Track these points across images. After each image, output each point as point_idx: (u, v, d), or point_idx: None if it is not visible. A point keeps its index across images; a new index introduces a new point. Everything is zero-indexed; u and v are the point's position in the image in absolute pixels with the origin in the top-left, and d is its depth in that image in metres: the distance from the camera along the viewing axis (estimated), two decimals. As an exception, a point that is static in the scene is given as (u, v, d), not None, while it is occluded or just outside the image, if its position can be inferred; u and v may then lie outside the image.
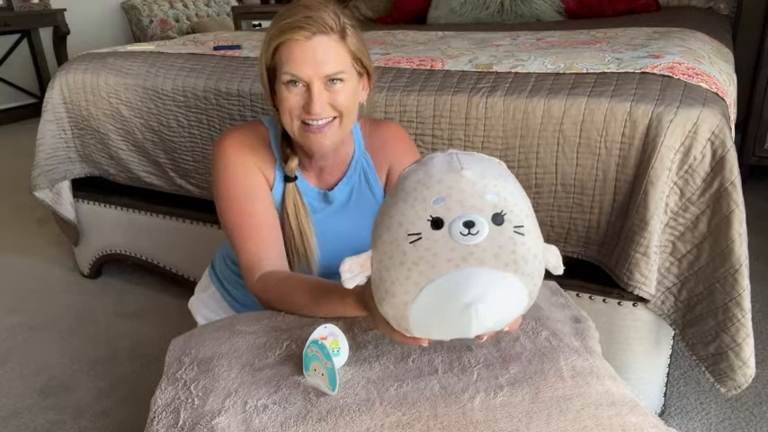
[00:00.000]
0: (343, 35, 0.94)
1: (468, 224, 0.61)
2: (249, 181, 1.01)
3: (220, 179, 1.02)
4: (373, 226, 0.69)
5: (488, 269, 0.60)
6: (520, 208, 0.64)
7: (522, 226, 0.62)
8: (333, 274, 1.08)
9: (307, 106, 0.93)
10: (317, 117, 0.93)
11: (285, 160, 1.04)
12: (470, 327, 0.61)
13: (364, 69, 1.00)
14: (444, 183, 0.64)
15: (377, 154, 1.10)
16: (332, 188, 1.08)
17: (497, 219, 0.62)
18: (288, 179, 1.04)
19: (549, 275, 0.73)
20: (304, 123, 0.95)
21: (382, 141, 1.10)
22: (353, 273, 0.68)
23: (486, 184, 0.64)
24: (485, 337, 0.70)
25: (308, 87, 0.93)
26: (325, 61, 0.91)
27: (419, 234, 0.62)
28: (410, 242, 0.62)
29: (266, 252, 0.98)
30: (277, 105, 0.98)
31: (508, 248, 0.61)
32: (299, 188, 1.06)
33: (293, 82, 0.93)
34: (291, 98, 0.94)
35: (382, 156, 1.10)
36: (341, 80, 0.94)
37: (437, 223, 0.61)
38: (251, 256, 0.98)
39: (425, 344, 0.69)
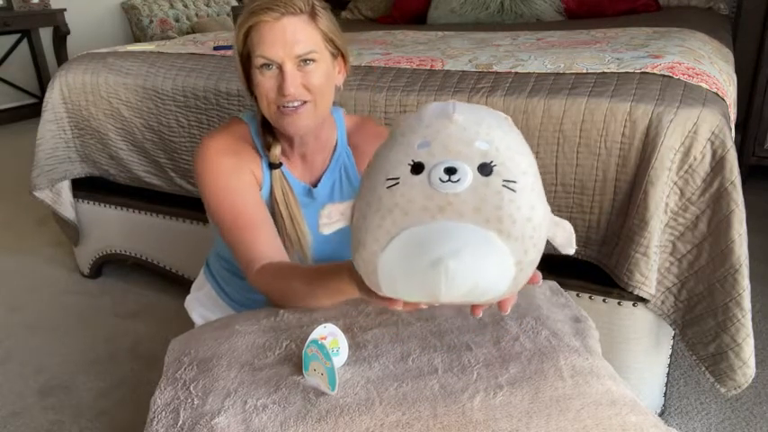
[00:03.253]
0: (312, 15, 0.94)
1: (450, 170, 0.55)
2: (236, 182, 1.01)
3: (206, 184, 1.01)
4: (362, 176, 0.65)
5: (467, 224, 0.54)
6: (515, 163, 0.57)
7: (514, 181, 0.55)
8: (327, 259, 1.08)
9: (280, 88, 0.93)
10: (291, 98, 0.93)
11: (268, 148, 1.04)
12: (439, 286, 0.54)
13: (338, 51, 1.00)
14: (432, 127, 0.58)
15: (358, 150, 1.10)
16: (316, 184, 1.08)
17: (485, 169, 0.55)
18: (273, 166, 1.04)
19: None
20: (279, 107, 0.95)
21: (364, 137, 1.10)
22: (332, 219, 0.64)
23: (479, 132, 0.57)
24: (479, 312, 0.64)
25: (280, 69, 0.93)
26: (295, 41, 0.92)
27: (397, 179, 0.56)
28: (387, 187, 0.57)
29: (262, 245, 0.98)
30: (254, 92, 0.98)
31: (492, 203, 0.54)
32: (285, 176, 1.06)
33: (266, 65, 0.93)
34: (266, 82, 0.94)
35: (364, 150, 1.10)
36: (313, 60, 0.94)
37: (417, 168, 0.56)
38: (247, 251, 0.98)
39: (399, 308, 0.64)
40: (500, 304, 0.62)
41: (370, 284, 0.62)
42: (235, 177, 1.01)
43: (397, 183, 0.56)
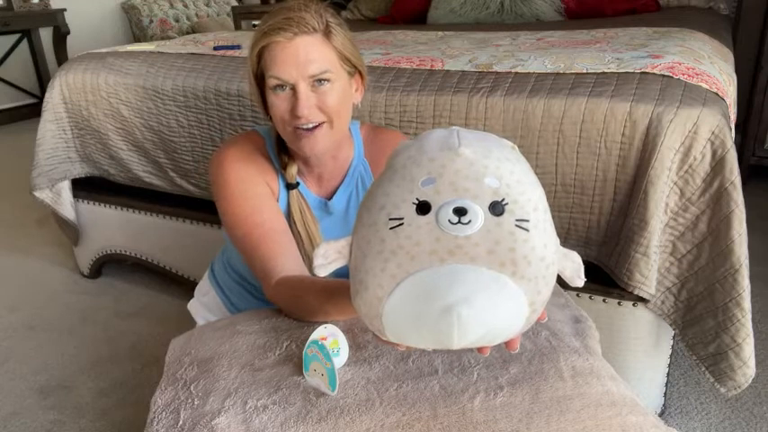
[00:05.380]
0: (327, 34, 0.92)
1: (460, 211, 0.51)
2: (252, 192, 0.99)
3: (223, 196, 0.99)
4: (358, 209, 0.61)
5: (479, 267, 0.51)
6: (527, 198, 0.53)
7: (526, 220, 0.52)
8: (342, 275, 1.07)
9: (294, 109, 0.91)
10: (305, 121, 0.91)
11: (284, 168, 1.02)
12: (451, 335, 0.51)
13: (354, 69, 0.98)
14: (437, 161, 0.54)
15: (375, 162, 1.08)
16: (331, 196, 1.07)
17: (496, 208, 0.52)
18: (290, 186, 1.03)
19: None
20: (295, 128, 0.93)
21: (381, 149, 1.07)
22: (328, 259, 0.59)
23: (487, 166, 0.53)
24: (487, 351, 0.61)
25: (294, 90, 0.91)
26: (308, 61, 0.89)
27: (401, 219, 0.53)
28: (390, 227, 0.53)
29: (279, 257, 0.95)
30: (269, 113, 0.96)
31: (506, 245, 0.51)
32: (302, 194, 1.04)
33: (280, 86, 0.91)
34: (280, 103, 0.92)
35: (380, 163, 1.07)
36: (328, 80, 0.92)
37: (423, 207, 0.52)
38: (264, 264, 0.95)
39: (402, 348, 0.60)
40: (508, 343, 0.60)
41: (372, 329, 0.58)
42: (251, 187, 0.99)
43: (402, 223, 0.53)
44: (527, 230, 0.52)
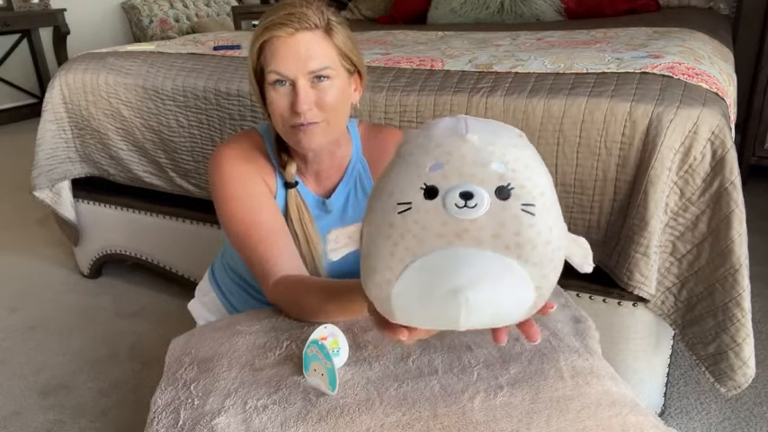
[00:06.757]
0: (328, 31, 0.92)
1: (466, 195, 0.52)
2: (250, 191, 0.99)
3: (221, 196, 0.99)
4: (368, 197, 0.62)
5: (485, 251, 0.52)
6: (534, 183, 0.54)
7: (532, 205, 0.53)
8: (340, 275, 1.07)
9: (293, 105, 0.91)
10: (303, 118, 0.91)
11: (283, 167, 1.02)
12: (458, 317, 0.53)
13: (354, 67, 0.97)
14: (444, 147, 0.55)
15: (374, 159, 1.07)
16: (329, 195, 1.06)
17: (502, 192, 0.53)
18: (288, 185, 1.02)
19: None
20: (292, 125, 0.93)
21: (380, 147, 1.07)
22: (339, 244, 0.61)
23: (493, 152, 0.54)
24: (503, 338, 0.61)
25: (294, 86, 0.91)
26: (309, 57, 0.89)
27: (409, 204, 0.54)
28: (398, 212, 0.54)
29: (278, 257, 0.95)
30: (268, 110, 0.96)
31: (511, 229, 0.52)
32: (300, 193, 1.04)
33: (279, 81, 0.91)
34: (279, 99, 0.92)
35: (379, 162, 1.07)
36: (328, 77, 0.91)
37: (431, 192, 0.53)
38: (263, 264, 0.95)
39: (404, 338, 0.61)
40: (528, 335, 0.60)
41: (382, 311, 0.59)
42: (250, 186, 0.98)
43: (410, 208, 0.54)
44: (533, 215, 0.53)
